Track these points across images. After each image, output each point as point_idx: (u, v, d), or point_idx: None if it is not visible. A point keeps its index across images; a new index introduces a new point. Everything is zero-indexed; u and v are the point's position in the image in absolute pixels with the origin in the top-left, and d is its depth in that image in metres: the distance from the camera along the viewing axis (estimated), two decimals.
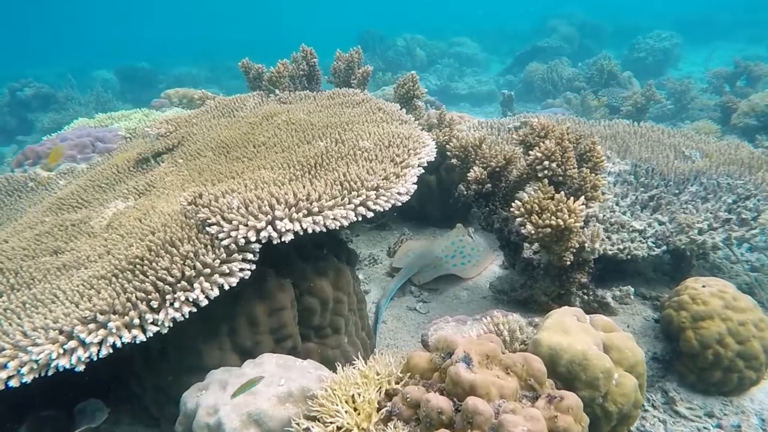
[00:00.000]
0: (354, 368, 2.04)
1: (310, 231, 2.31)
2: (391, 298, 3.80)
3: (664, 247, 3.23)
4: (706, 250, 3.20)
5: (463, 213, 4.71)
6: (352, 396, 1.86)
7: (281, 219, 2.27)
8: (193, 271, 2.16)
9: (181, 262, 2.20)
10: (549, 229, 2.54)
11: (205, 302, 2.14)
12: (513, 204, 2.76)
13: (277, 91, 4.56)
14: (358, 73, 4.62)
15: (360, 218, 2.44)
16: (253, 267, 2.29)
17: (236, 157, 3.39)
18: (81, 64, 19.79)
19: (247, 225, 2.26)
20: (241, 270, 2.24)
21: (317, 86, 4.74)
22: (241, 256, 2.24)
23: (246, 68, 5.06)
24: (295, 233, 2.31)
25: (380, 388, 1.90)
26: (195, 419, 2.00)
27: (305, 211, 2.32)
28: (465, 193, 3.48)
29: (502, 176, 3.31)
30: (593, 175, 2.86)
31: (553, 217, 2.53)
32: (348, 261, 3.02)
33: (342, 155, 2.92)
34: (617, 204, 3.67)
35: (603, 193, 2.79)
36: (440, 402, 1.68)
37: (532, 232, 2.58)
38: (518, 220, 2.69)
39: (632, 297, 3.11)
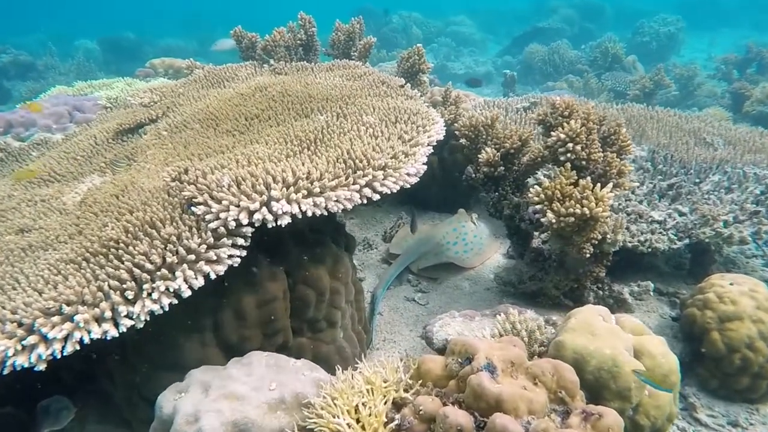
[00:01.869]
0: (357, 372, 1.80)
1: (309, 214, 2.04)
2: (388, 287, 3.56)
3: (687, 240, 3.01)
4: (732, 244, 2.99)
5: (465, 197, 4.46)
6: (356, 406, 1.62)
7: (278, 200, 2.00)
8: (175, 257, 1.89)
9: (162, 246, 1.93)
10: (572, 219, 2.30)
11: (188, 293, 1.88)
12: (531, 190, 2.51)
13: (271, 61, 4.24)
14: (359, 44, 4.30)
15: (365, 201, 2.18)
16: (244, 253, 2.02)
17: (226, 130, 3.10)
18: (63, 33, 18.99)
19: (238, 206, 1.98)
20: (231, 257, 1.97)
21: (315, 58, 4.42)
22: (230, 241, 1.98)
23: (238, 37, 4.72)
24: (293, 216, 2.04)
25: (387, 396, 1.67)
26: (172, 428, 1.75)
27: (305, 192, 2.05)
28: (473, 175, 3.23)
29: (516, 159, 3.05)
30: (619, 159, 2.61)
31: (577, 206, 2.29)
32: (347, 247, 2.77)
33: (345, 131, 2.64)
34: (633, 192, 3.44)
35: (629, 180, 2.54)
36: (459, 418, 1.44)
37: (553, 221, 2.34)
38: (536, 207, 2.44)
39: (651, 293, 2.90)
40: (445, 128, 3.47)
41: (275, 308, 2.28)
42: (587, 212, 2.25)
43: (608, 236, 2.56)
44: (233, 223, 1.95)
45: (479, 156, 3.02)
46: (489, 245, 3.95)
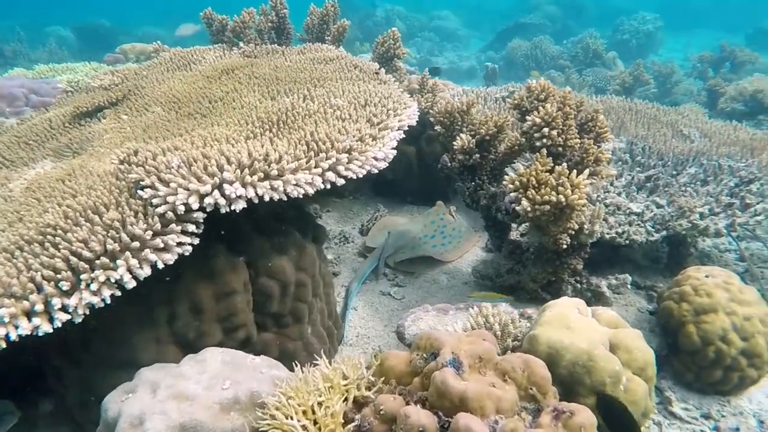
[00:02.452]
0: (316, 369, 1.66)
1: (266, 198, 1.90)
2: (364, 282, 3.43)
3: (664, 232, 2.94)
4: (708, 236, 2.93)
5: (444, 189, 4.35)
6: (312, 406, 1.49)
7: (231, 183, 1.85)
8: (117, 244, 1.73)
9: (104, 233, 1.76)
10: (547, 207, 2.19)
11: (132, 283, 1.72)
12: (506, 177, 2.40)
13: (241, 44, 4.06)
14: (333, 28, 4.15)
15: (328, 185, 2.04)
16: (196, 241, 1.87)
17: (188, 113, 2.93)
18: (36, 20, 18.38)
19: (188, 189, 1.83)
20: (180, 244, 1.82)
21: (287, 41, 4.25)
22: (180, 228, 1.82)
23: (208, 20, 4.52)
24: (249, 201, 1.89)
25: (347, 395, 1.54)
26: (116, 431, 1.59)
27: (261, 174, 1.90)
28: (449, 164, 3.11)
29: (492, 146, 2.94)
30: (596, 147, 2.52)
31: (552, 193, 2.18)
32: (315, 238, 2.62)
33: (310, 113, 2.49)
34: (611, 184, 3.37)
35: (606, 168, 2.45)
36: (422, 418, 1.32)
37: (528, 209, 2.23)
38: (512, 195, 2.33)
39: (629, 286, 2.82)
40: (419, 115, 3.35)
41: (235, 301, 2.13)
42: (563, 200, 2.15)
43: (585, 227, 2.47)
44: (182, 208, 1.79)
45: (454, 143, 2.90)
46: (467, 238, 3.85)
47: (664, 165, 3.49)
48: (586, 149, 2.47)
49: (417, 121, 4.37)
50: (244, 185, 1.88)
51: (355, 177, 2.12)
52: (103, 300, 1.68)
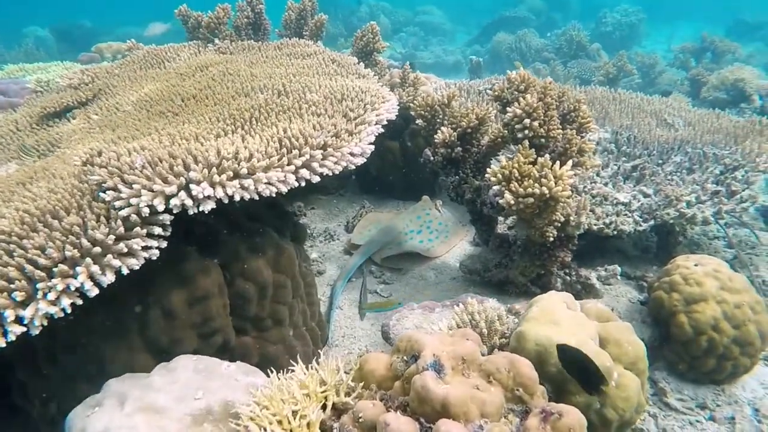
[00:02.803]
0: (293, 376, 1.58)
1: (237, 198, 1.81)
2: (349, 280, 3.35)
3: (652, 222, 2.89)
4: (695, 224, 2.88)
5: (430, 183, 4.28)
6: (287, 416, 1.40)
7: (198, 182, 1.75)
8: (77, 250, 1.62)
9: (63, 238, 1.66)
10: (531, 199, 2.12)
11: (94, 291, 1.62)
12: (488, 170, 2.32)
13: (216, 40, 3.95)
14: (311, 23, 4.05)
15: (303, 183, 1.95)
16: (164, 244, 1.77)
17: (159, 111, 2.82)
18: (12, 20, 18.00)
19: (152, 190, 1.73)
20: (146, 248, 1.72)
21: (265, 37, 4.14)
22: (145, 231, 1.72)
23: (184, 17, 4.41)
24: (219, 201, 1.80)
25: (326, 402, 1.45)
26: None
27: (230, 173, 1.81)
28: (432, 158, 3.03)
29: (474, 139, 2.87)
30: (579, 137, 2.45)
31: (536, 185, 2.11)
32: (294, 237, 2.53)
33: (284, 109, 2.40)
34: (598, 175, 3.31)
35: (590, 158, 2.39)
36: (402, 425, 1.24)
37: (512, 202, 2.16)
38: (494, 188, 2.26)
39: (619, 277, 2.77)
40: (402, 109, 3.27)
41: (210, 306, 2.03)
42: (546, 192, 2.08)
43: (572, 218, 2.40)
44: (147, 210, 1.69)
45: (435, 137, 2.83)
46: (455, 233, 3.78)
47: (649, 154, 3.44)
48: (569, 140, 2.40)
49: (400, 116, 4.31)
50: (212, 185, 1.78)
51: (330, 173, 2.04)
52: (63, 310, 1.58)
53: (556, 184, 2.06)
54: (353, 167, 2.12)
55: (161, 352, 1.96)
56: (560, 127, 2.42)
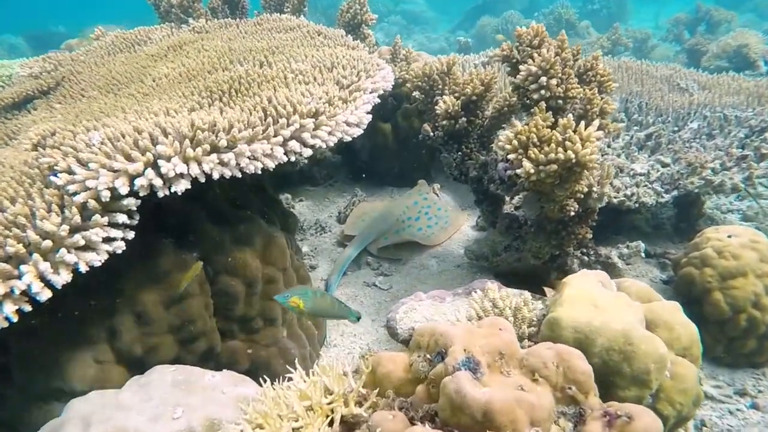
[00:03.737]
0: (291, 385, 1.31)
1: (216, 176, 1.53)
2: (344, 273, 3.08)
3: (675, 192, 2.65)
4: (724, 192, 2.65)
5: (425, 167, 4.01)
6: None
7: (168, 158, 1.47)
8: (21, 245, 1.33)
9: (5, 232, 1.37)
10: (554, 166, 1.86)
11: (45, 294, 1.34)
12: (500, 137, 2.06)
13: (190, 20, 3.64)
14: None
15: (293, 157, 1.68)
16: (131, 235, 1.49)
17: (128, 94, 2.53)
18: None
19: (113, 169, 1.44)
20: (109, 240, 1.44)
21: (243, 16, 3.84)
22: (106, 219, 1.43)
23: (155, 1, 4.10)
24: (195, 181, 1.52)
25: (332, 415, 1.19)
26: None
27: (207, 147, 1.52)
28: (431, 134, 2.76)
29: (479, 109, 2.61)
30: (600, 97, 2.20)
31: (559, 150, 1.85)
32: (284, 226, 2.26)
33: (268, 79, 2.12)
34: (609, 146, 3.07)
35: (622, 121, 2.13)
36: None
37: (531, 171, 1.90)
38: (506, 164, 2.00)
39: (642, 255, 2.53)
40: (394, 87, 2.99)
41: (190, 306, 1.76)
42: (572, 156, 1.82)
43: (594, 189, 2.15)
44: (107, 194, 1.41)
45: (437, 108, 2.56)
46: (455, 217, 3.52)
47: (664, 121, 3.21)
48: (590, 100, 2.15)
49: (392, 95, 4.05)
50: (185, 161, 1.50)
51: (324, 146, 1.76)
52: (8, 318, 1.29)
53: (583, 146, 1.81)
54: (349, 139, 1.85)
55: (135, 362, 1.69)
56: (578, 86, 2.17)
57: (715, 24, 8.18)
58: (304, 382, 1.27)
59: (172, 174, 1.45)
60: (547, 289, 1.91)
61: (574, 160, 1.83)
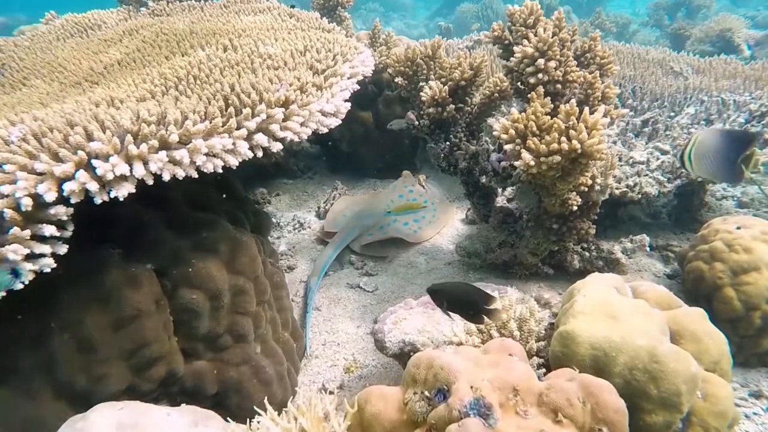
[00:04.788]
0: (261, 425, 1.08)
1: (166, 177, 1.28)
2: (325, 274, 2.85)
3: (678, 182, 2.48)
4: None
5: (410, 157, 3.79)
6: None
7: (106, 157, 1.22)
8: None
9: None
10: (558, 158, 1.66)
11: None
12: (495, 126, 1.85)
13: (150, 2, 3.33)
14: None
15: (259, 153, 1.44)
16: (64, 250, 1.23)
17: (75, 82, 2.25)
18: None
19: (36, 172, 1.18)
20: (34, 258, 1.18)
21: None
22: (28, 232, 1.18)
23: None
24: (142, 183, 1.27)
25: None
26: None
27: (155, 143, 1.27)
28: (416, 123, 2.54)
29: (468, 95, 2.39)
30: (601, 81, 2.00)
31: (563, 139, 1.65)
32: (256, 227, 2.02)
33: (232, 64, 1.86)
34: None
35: (616, 107, 1.94)
36: None
37: (531, 164, 1.69)
38: (507, 147, 1.78)
39: (648, 248, 2.35)
40: (374, 74, 2.76)
41: (143, 327, 1.51)
42: (577, 146, 1.62)
43: (598, 181, 1.96)
44: (28, 202, 1.15)
45: (422, 94, 2.33)
46: (444, 210, 3.31)
47: (659, 106, 3.04)
48: (591, 84, 1.94)
49: (372, 82, 3.81)
50: (128, 160, 1.25)
51: (296, 138, 1.53)
52: None
53: (589, 135, 1.60)
54: (325, 130, 1.62)
55: (78, 396, 1.43)
56: (576, 69, 1.96)
57: (695, 9, 8.10)
58: (276, 425, 1.04)
59: (110, 176, 1.20)
60: (548, 295, 1.72)
61: (579, 151, 1.63)
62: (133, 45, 2.47)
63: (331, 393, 2.00)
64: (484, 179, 2.43)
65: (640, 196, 2.36)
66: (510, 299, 1.53)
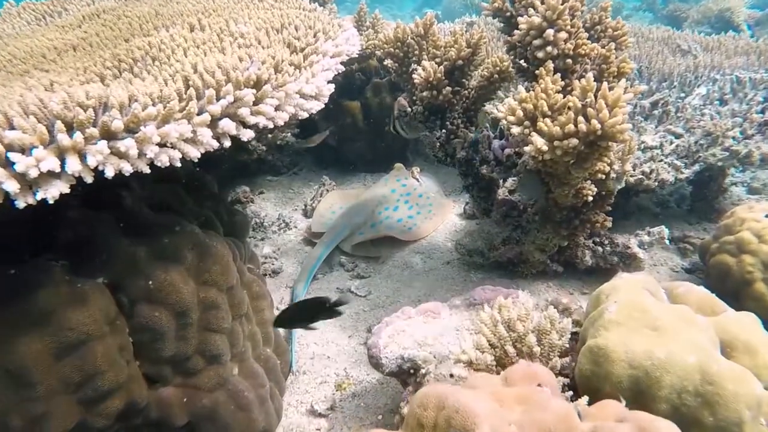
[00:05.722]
0: None
1: (110, 174, 1.04)
2: (314, 278, 2.62)
3: (696, 167, 2.28)
4: (752, 163, 2.30)
5: (401, 149, 3.56)
6: None
7: (27, 149, 0.98)
8: None
9: None
10: (575, 141, 1.44)
11: None
12: (502, 107, 1.62)
13: None
14: None
15: (226, 142, 1.20)
16: None
17: (24, 71, 1.99)
18: None
19: None
20: None
21: None
22: None
23: None
24: (80, 181, 1.03)
25: None
26: None
27: (94, 131, 1.03)
28: (409, 109, 2.31)
29: (465, 77, 2.17)
30: (615, 55, 1.79)
31: (580, 119, 1.43)
32: (230, 230, 1.78)
33: (198, 44, 1.62)
34: None
35: (632, 84, 1.73)
36: None
37: (544, 149, 1.47)
38: (514, 131, 1.56)
39: (667, 241, 2.15)
40: (361, 59, 2.54)
41: (93, 352, 1.27)
42: (597, 127, 1.40)
43: (615, 167, 1.75)
44: None
45: (414, 76, 2.10)
46: (440, 205, 3.09)
47: (669, 87, 2.83)
48: (605, 58, 1.73)
49: (360, 71, 3.57)
50: (59, 152, 1.01)
51: (271, 125, 1.29)
52: None
53: (611, 114, 1.39)
54: (305, 115, 1.38)
55: None
56: (588, 42, 1.74)
57: None
58: None
59: (35, 173, 0.96)
60: (566, 300, 1.50)
61: (599, 132, 1.41)
62: (92, 30, 2.22)
63: (321, 416, 1.77)
64: (485, 169, 2.21)
65: (656, 183, 2.15)
66: (526, 306, 1.31)
